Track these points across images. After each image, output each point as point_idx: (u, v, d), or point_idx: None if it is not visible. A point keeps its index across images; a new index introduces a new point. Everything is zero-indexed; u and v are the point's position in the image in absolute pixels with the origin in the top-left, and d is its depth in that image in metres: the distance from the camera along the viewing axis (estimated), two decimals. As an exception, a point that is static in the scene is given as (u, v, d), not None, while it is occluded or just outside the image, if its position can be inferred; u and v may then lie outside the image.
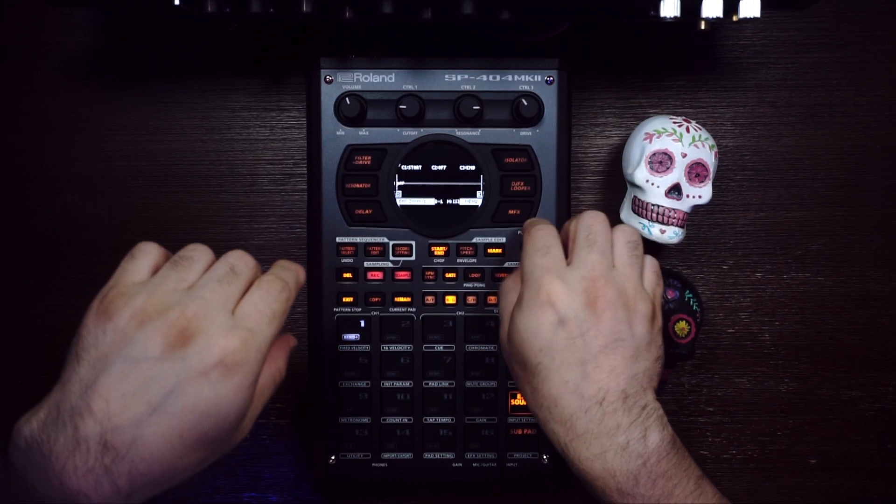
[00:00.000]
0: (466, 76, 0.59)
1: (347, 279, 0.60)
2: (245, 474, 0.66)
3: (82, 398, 0.39)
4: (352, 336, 0.61)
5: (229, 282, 0.42)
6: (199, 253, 0.44)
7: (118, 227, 0.65)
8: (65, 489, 0.38)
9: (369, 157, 0.59)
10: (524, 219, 0.60)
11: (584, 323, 0.46)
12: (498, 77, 0.59)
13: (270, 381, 0.44)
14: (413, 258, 0.60)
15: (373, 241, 0.60)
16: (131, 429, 0.38)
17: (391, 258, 0.60)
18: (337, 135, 0.59)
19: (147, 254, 0.44)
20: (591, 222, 0.49)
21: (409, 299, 0.60)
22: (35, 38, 0.64)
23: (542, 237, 0.49)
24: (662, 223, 0.60)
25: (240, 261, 0.44)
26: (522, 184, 0.60)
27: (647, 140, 0.60)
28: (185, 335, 0.39)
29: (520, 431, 0.61)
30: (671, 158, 0.59)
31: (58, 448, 0.38)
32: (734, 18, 0.53)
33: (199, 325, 0.40)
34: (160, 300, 0.41)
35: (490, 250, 0.60)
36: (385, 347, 0.61)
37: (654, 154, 0.60)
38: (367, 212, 0.60)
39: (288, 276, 0.45)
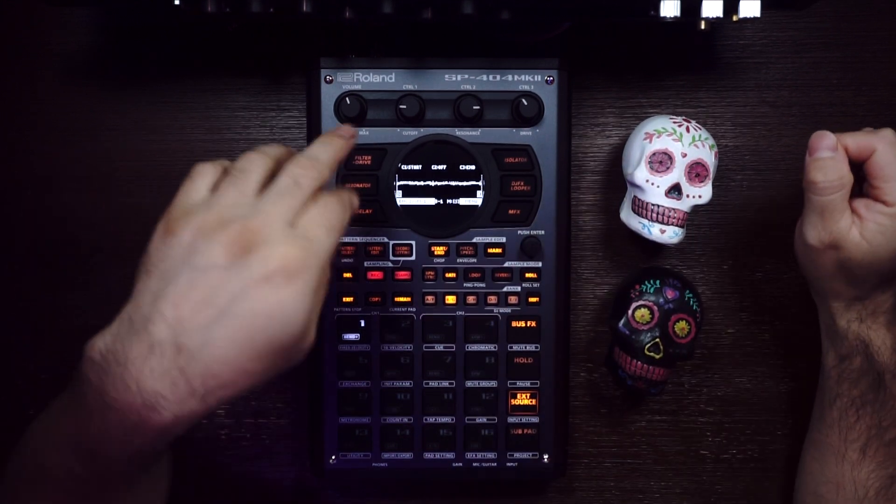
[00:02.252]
0: (466, 76, 0.59)
1: (347, 279, 0.60)
2: (245, 474, 0.66)
3: (153, 306, 0.40)
4: (352, 336, 0.61)
5: (291, 195, 0.44)
6: (254, 164, 0.46)
7: (118, 227, 0.65)
8: (142, 392, 0.39)
9: (369, 157, 0.59)
10: (524, 219, 0.60)
11: None
12: (498, 77, 0.59)
13: (325, 290, 0.45)
14: (413, 258, 0.60)
15: (373, 240, 0.60)
16: (201, 332, 0.40)
17: (391, 258, 0.60)
18: (337, 135, 0.59)
19: (204, 174, 0.46)
20: None
21: (409, 299, 0.60)
22: (35, 38, 0.64)
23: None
24: (662, 223, 0.60)
25: (304, 173, 0.45)
26: (522, 183, 0.60)
27: (647, 140, 0.60)
28: (248, 245, 0.41)
29: (520, 431, 0.61)
30: (671, 158, 0.59)
31: (133, 354, 0.40)
32: (734, 18, 0.53)
33: (260, 236, 0.41)
34: (221, 214, 0.42)
35: (490, 250, 0.60)
36: (385, 347, 0.61)
37: (654, 154, 0.60)
38: (367, 212, 0.60)
39: (345, 197, 0.47)
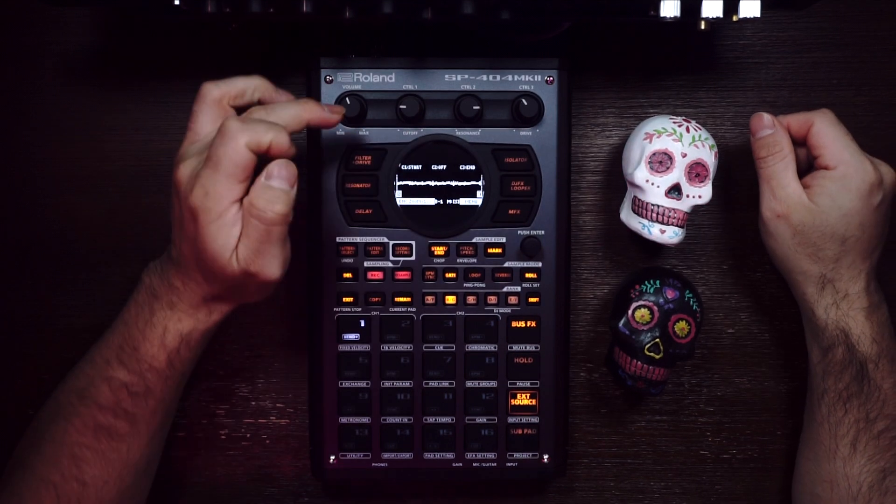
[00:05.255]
0: (466, 76, 0.59)
1: (347, 279, 0.60)
2: (245, 474, 0.66)
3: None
4: (352, 336, 0.61)
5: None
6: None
7: (118, 227, 0.65)
8: (169, 282, 0.55)
9: (369, 157, 0.59)
10: (524, 219, 0.60)
11: None
12: (498, 77, 0.59)
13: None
14: (413, 258, 0.60)
15: (373, 240, 0.60)
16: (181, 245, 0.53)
17: (391, 258, 0.60)
18: (337, 135, 0.59)
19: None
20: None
21: (409, 299, 0.60)
22: (35, 38, 0.64)
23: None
24: (662, 223, 0.60)
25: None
26: (522, 184, 0.60)
27: (647, 140, 0.60)
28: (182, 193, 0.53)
29: (520, 431, 0.61)
30: (671, 158, 0.59)
31: (165, 262, 0.56)
32: (734, 18, 0.53)
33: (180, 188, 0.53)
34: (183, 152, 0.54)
35: (490, 250, 0.60)
36: (385, 347, 0.61)
37: (654, 154, 0.60)
38: (367, 212, 0.60)
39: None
